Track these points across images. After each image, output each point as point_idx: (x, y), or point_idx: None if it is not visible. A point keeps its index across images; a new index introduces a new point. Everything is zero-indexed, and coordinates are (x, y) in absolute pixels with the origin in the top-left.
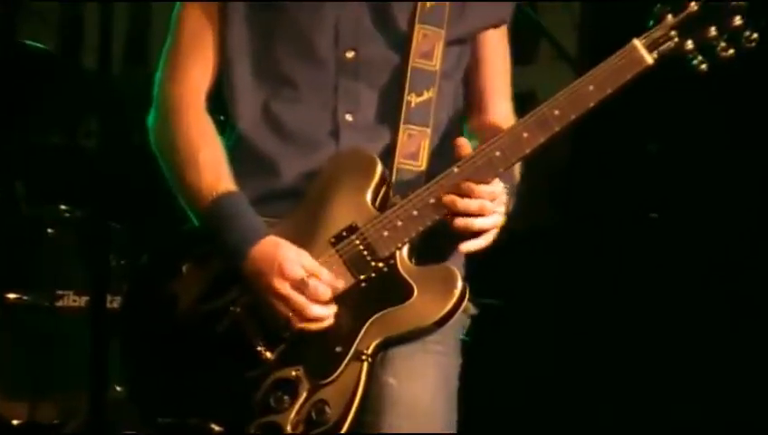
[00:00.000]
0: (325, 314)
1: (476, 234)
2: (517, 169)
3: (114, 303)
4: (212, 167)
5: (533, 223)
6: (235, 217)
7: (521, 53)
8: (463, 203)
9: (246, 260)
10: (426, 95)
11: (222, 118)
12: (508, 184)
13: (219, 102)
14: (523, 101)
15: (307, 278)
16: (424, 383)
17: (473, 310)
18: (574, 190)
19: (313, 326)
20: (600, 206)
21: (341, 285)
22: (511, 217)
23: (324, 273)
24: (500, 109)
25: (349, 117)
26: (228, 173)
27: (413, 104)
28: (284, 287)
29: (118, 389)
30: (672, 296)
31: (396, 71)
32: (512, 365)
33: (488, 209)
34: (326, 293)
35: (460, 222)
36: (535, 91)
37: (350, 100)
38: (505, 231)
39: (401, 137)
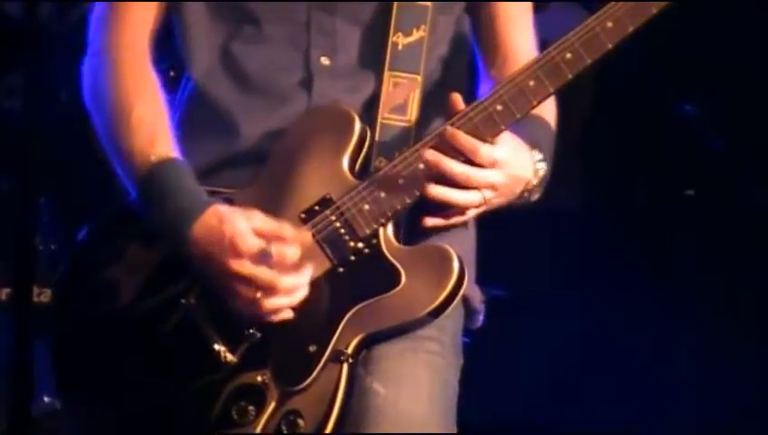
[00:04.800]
0: (301, 281)
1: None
2: (552, 116)
3: (42, 296)
4: (147, 127)
5: (550, 203)
6: (169, 191)
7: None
8: (447, 165)
9: (188, 243)
10: (416, 35)
11: (172, 73)
12: (543, 145)
13: (169, 52)
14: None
15: (268, 245)
16: (416, 391)
17: (480, 298)
18: (597, 164)
19: (289, 301)
20: (627, 183)
21: (309, 237)
22: (544, 192)
23: (285, 229)
24: (521, 47)
25: (324, 60)
26: (167, 135)
27: (400, 46)
28: (244, 266)
29: (46, 399)
30: (711, 284)
31: (381, 5)
32: (521, 368)
33: (476, 181)
34: (294, 254)
35: (435, 191)
36: (547, 41)
37: (326, 39)
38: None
39: (386, 86)
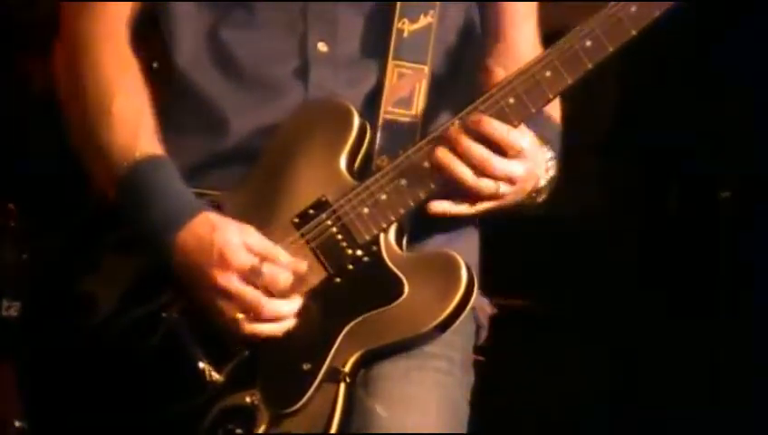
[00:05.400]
0: (288, 311)
1: (465, 197)
2: (557, 114)
3: (12, 310)
4: (129, 120)
5: (577, 205)
6: (154, 192)
7: None
8: (467, 143)
9: (173, 250)
10: (423, 21)
11: (155, 65)
12: (553, 143)
13: (151, 39)
14: (551, 43)
15: (259, 264)
16: (423, 414)
17: (488, 309)
18: (624, 163)
19: (272, 329)
20: (658, 183)
21: (305, 267)
22: (552, 194)
23: (280, 253)
24: (522, 38)
25: (322, 46)
26: (151, 129)
27: (406, 33)
28: (230, 281)
29: (17, 424)
30: (751, 298)
31: None
32: (542, 387)
33: (495, 169)
34: (287, 280)
35: (444, 157)
36: (567, 30)
37: (325, 24)
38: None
39: (390, 77)
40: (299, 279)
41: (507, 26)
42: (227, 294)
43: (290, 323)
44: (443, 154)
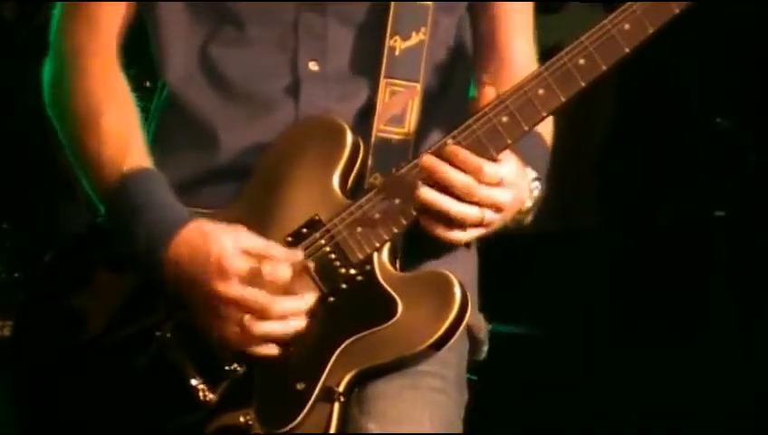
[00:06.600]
0: (295, 308)
1: (450, 225)
2: (548, 133)
3: (5, 329)
4: (118, 135)
5: (570, 224)
6: (143, 204)
7: (545, 0)
8: (446, 172)
9: (165, 262)
10: (415, 38)
11: (148, 84)
12: (538, 163)
13: (144, 57)
14: (549, 59)
15: (258, 265)
16: (417, 431)
17: (484, 327)
18: (620, 182)
19: (282, 328)
20: (653, 202)
21: (301, 255)
22: (538, 215)
23: (275, 248)
24: (517, 52)
25: (313, 65)
26: (140, 144)
27: (398, 51)
28: (231, 287)
29: None
30: (743, 315)
31: (377, 4)
32: (544, 413)
33: (479, 196)
34: (286, 273)
35: (427, 195)
36: (563, 46)
37: (316, 41)
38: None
39: (382, 94)
40: (298, 272)
41: (502, 40)
42: (231, 301)
43: (299, 323)
44: (425, 191)
